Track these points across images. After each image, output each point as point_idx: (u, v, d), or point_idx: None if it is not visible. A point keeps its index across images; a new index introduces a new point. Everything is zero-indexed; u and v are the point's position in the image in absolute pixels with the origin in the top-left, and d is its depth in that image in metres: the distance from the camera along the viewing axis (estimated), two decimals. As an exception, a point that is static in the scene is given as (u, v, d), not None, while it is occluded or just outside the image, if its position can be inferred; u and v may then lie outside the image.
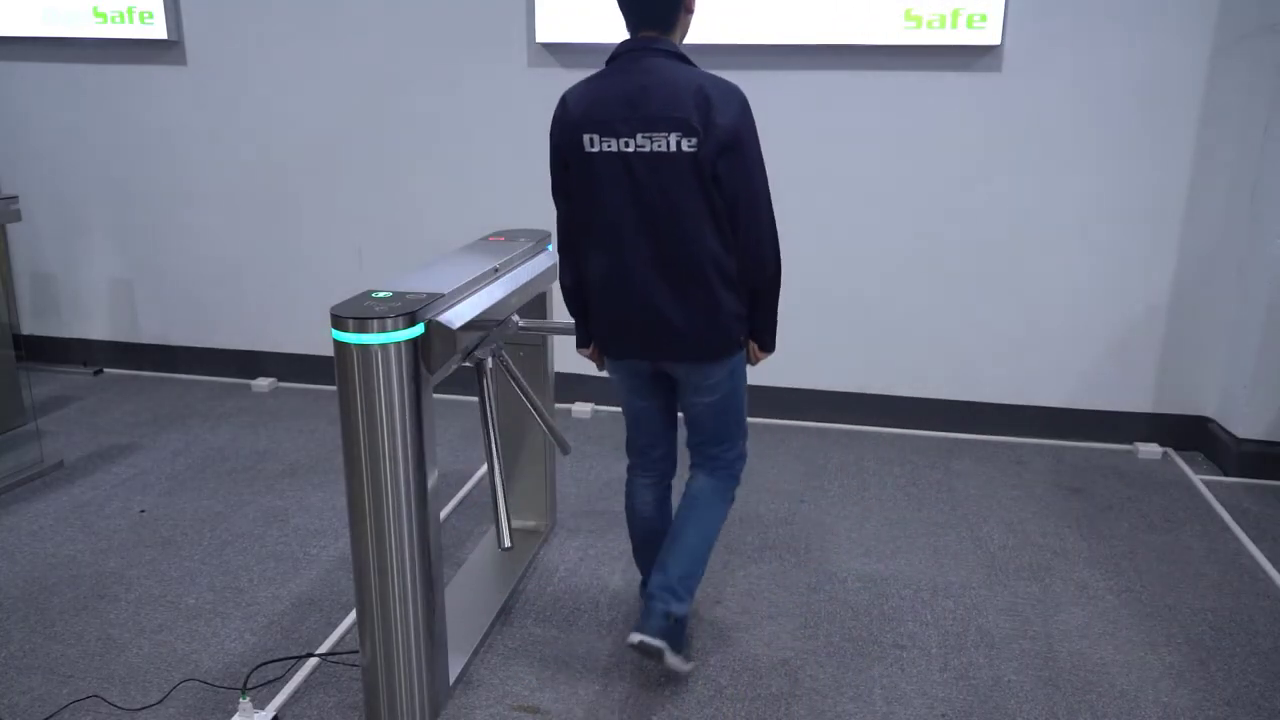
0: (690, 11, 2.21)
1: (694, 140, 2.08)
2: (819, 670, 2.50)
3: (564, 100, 2.21)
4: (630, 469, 2.57)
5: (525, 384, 2.64)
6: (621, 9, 2.18)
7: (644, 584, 2.63)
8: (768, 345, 2.36)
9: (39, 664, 2.50)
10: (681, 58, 2.16)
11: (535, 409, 2.70)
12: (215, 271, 4.64)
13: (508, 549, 2.25)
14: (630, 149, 2.12)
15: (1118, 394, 3.96)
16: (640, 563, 2.64)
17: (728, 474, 2.47)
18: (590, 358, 2.48)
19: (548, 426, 2.75)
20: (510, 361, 2.58)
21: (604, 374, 2.54)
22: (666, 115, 2.07)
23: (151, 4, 4.23)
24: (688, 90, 2.08)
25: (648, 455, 2.52)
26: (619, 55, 2.17)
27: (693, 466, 2.50)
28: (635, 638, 2.27)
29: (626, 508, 2.59)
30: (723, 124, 2.07)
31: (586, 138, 2.15)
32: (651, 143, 2.10)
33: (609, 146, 2.14)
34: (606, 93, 2.14)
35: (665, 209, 2.14)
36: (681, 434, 2.53)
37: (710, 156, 2.09)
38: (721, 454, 2.44)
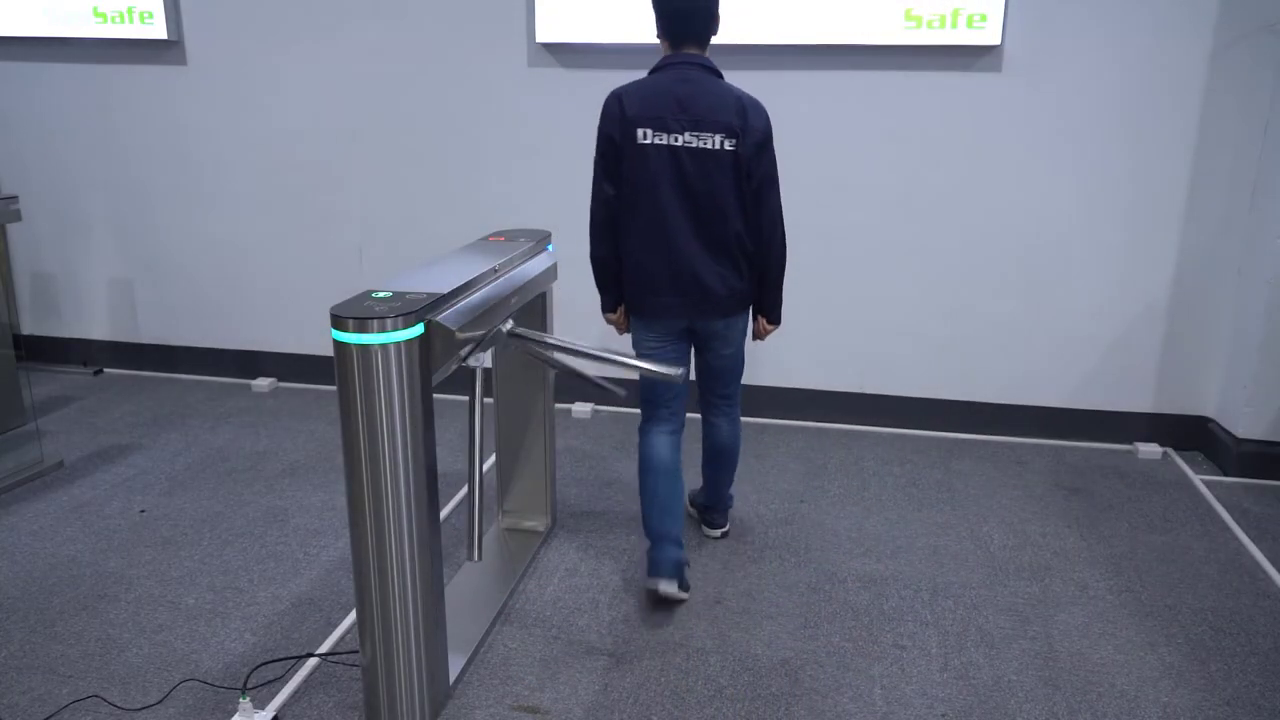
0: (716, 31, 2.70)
1: (734, 141, 2.56)
2: (819, 670, 2.50)
3: (619, 98, 2.59)
4: (646, 421, 2.86)
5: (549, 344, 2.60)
6: (667, 28, 2.60)
7: (649, 551, 2.75)
8: (775, 319, 2.87)
9: (39, 664, 2.50)
10: (716, 72, 2.62)
11: (569, 366, 2.74)
12: (215, 271, 4.64)
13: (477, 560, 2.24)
14: (679, 143, 2.56)
15: (1118, 394, 3.96)
16: (649, 525, 2.76)
17: (737, 411, 3.01)
18: (613, 321, 2.85)
19: (589, 378, 2.76)
20: (524, 332, 2.52)
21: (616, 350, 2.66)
22: (713, 119, 2.55)
23: (151, 4, 4.23)
24: (729, 100, 2.57)
25: (666, 406, 2.83)
26: (667, 66, 2.60)
27: (710, 414, 2.99)
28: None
29: (641, 458, 2.82)
30: (756, 128, 2.58)
31: (640, 131, 2.56)
32: (699, 139, 2.56)
33: (660, 140, 2.56)
34: (658, 95, 2.56)
35: (706, 194, 2.59)
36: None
37: (748, 154, 2.58)
38: (735, 391, 2.98)
